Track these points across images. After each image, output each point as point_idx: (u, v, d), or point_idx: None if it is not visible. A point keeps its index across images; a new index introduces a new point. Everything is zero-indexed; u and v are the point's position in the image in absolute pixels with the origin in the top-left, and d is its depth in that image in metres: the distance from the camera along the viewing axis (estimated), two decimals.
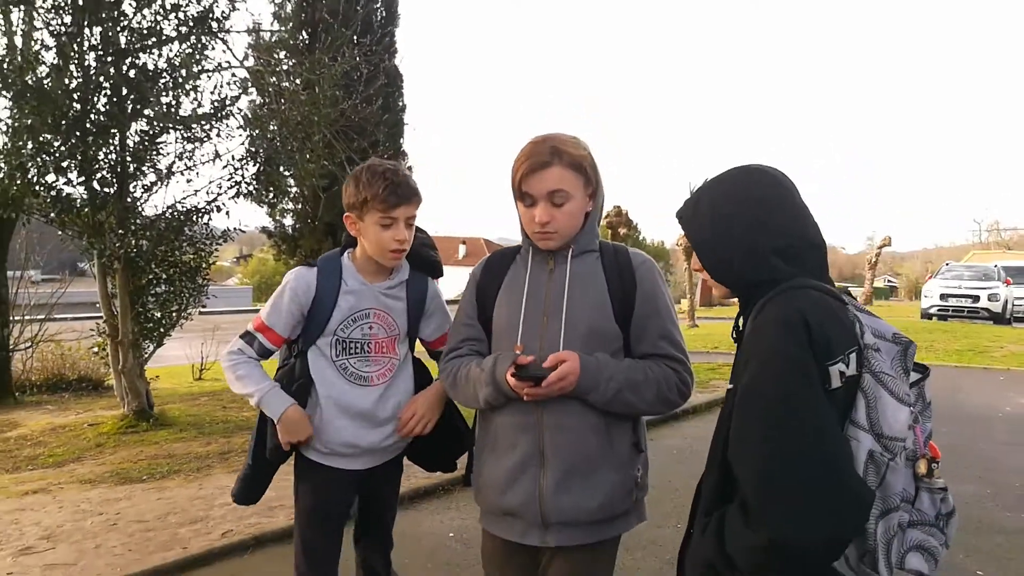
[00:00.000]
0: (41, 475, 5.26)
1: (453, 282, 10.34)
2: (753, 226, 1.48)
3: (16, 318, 9.25)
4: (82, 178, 6.31)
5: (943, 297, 20.99)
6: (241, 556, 3.82)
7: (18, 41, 6.34)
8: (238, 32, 7.14)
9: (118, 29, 6.10)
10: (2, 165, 5.86)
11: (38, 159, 5.95)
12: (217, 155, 6.58)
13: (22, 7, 5.95)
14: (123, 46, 6.13)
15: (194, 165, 6.58)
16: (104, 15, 5.98)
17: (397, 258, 2.27)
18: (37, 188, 6.17)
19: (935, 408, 1.49)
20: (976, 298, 20.49)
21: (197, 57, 6.46)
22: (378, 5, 9.60)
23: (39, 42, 6.14)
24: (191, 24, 6.39)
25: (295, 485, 2.40)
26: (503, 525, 1.99)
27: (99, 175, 6.40)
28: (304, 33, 9.71)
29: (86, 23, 6.02)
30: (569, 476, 1.87)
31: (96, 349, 7.49)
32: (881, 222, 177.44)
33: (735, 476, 1.36)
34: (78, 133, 5.99)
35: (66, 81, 6.00)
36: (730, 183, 1.56)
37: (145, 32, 6.19)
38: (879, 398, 1.31)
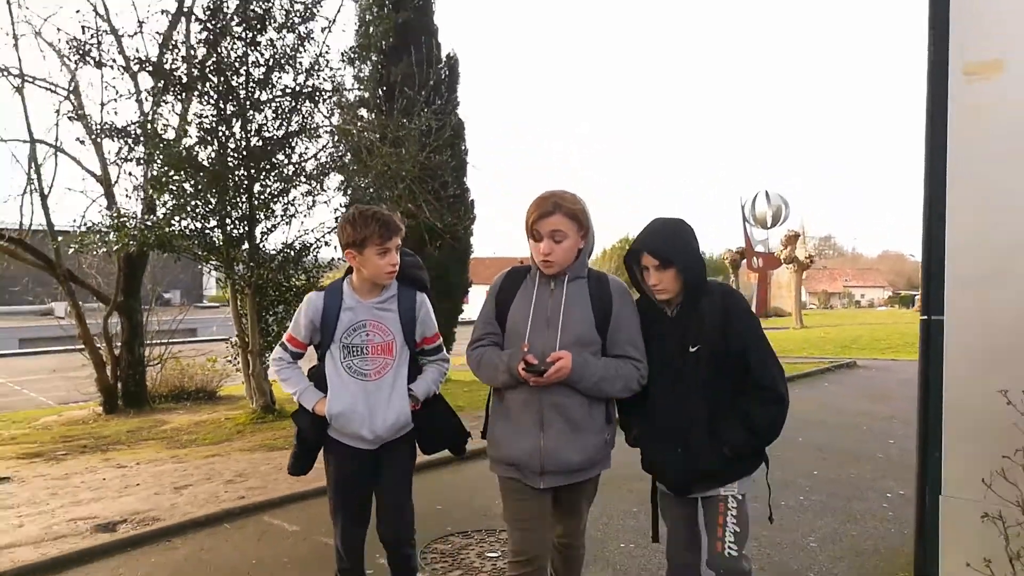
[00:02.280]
0: (207, 449, 7.00)
1: None
2: (700, 253, 2.62)
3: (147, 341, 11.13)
4: (219, 224, 8.12)
5: None
6: None
7: (174, 121, 8.25)
8: (327, 92, 8.81)
9: (247, 107, 7.90)
10: (169, 218, 7.69)
11: (194, 212, 7.78)
12: (326, 202, 8.34)
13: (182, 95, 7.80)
14: (252, 122, 7.93)
15: (307, 210, 8.35)
16: (242, 98, 7.81)
17: (391, 277, 2.82)
18: (187, 232, 8.00)
19: None
20: None
21: (307, 125, 8.24)
22: (442, 66, 10.95)
23: (189, 121, 8.00)
24: (302, 99, 8.17)
25: (324, 460, 2.93)
26: (510, 470, 2.61)
27: (232, 221, 8.21)
28: (380, 91, 10.85)
29: (224, 104, 7.85)
30: (560, 438, 2.51)
31: (229, 359, 9.28)
32: None
33: (721, 399, 2.47)
34: (218, 191, 7.79)
35: (209, 151, 7.86)
36: (686, 226, 2.57)
37: (270, 108, 7.98)
38: None
